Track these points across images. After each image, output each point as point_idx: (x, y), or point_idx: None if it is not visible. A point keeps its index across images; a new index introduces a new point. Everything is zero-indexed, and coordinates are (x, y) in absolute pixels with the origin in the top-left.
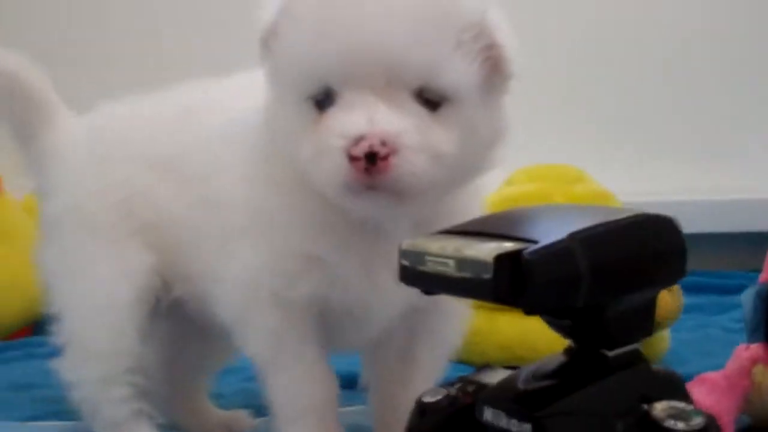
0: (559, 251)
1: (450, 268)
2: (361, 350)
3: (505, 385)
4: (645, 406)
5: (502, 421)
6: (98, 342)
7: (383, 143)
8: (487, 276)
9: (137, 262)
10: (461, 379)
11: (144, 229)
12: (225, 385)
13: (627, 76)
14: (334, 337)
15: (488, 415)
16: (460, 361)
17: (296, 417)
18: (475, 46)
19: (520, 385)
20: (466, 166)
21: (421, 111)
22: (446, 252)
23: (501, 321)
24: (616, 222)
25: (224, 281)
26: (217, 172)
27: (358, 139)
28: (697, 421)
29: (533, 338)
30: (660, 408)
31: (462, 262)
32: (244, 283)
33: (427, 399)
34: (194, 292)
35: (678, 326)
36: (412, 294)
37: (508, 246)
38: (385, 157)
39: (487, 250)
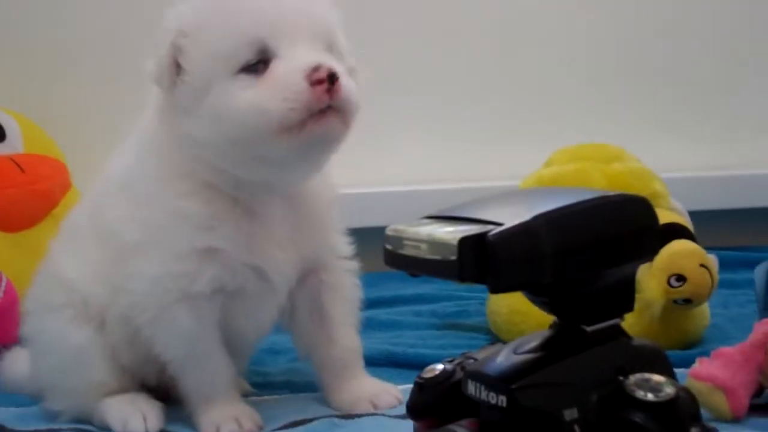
0: (522, 232)
1: (423, 251)
2: (287, 327)
3: (487, 359)
4: (620, 378)
5: (483, 393)
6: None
7: (333, 69)
8: (453, 257)
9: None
10: (463, 355)
11: None
12: (272, 365)
13: (668, 51)
14: (255, 319)
15: (471, 388)
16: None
17: (208, 401)
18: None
19: (500, 359)
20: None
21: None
22: (420, 236)
23: None
24: (583, 203)
25: (131, 293)
26: (106, 205)
27: (317, 68)
28: (667, 391)
29: None
30: (633, 380)
31: (432, 245)
32: (153, 293)
33: (425, 375)
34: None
35: (727, 301)
36: (298, 257)
37: (473, 229)
38: (338, 79)
39: (454, 233)
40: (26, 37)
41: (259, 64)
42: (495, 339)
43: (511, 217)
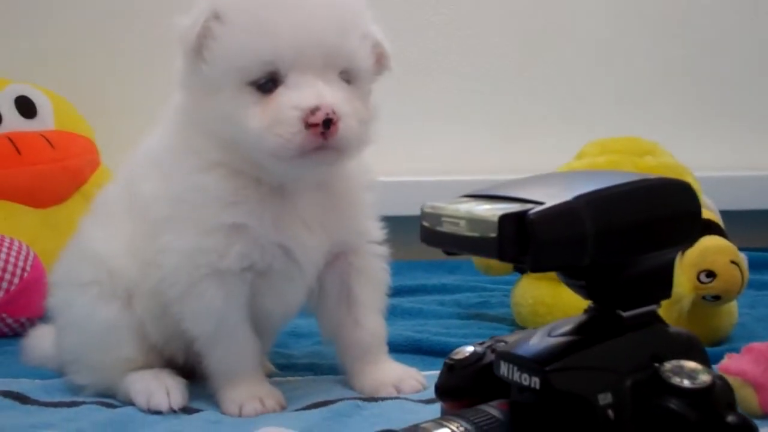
0: (563, 212)
1: (461, 228)
2: (313, 310)
3: (521, 342)
4: (656, 365)
5: (515, 375)
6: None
7: (333, 112)
8: (493, 235)
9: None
10: (492, 338)
11: None
12: (296, 348)
13: (702, 48)
14: (282, 299)
15: (503, 369)
16: None
17: (232, 379)
18: (368, 43)
19: (534, 341)
20: (368, 133)
21: (345, 86)
22: (459, 213)
23: (565, 292)
24: (625, 185)
25: (162, 268)
26: (139, 180)
27: (314, 110)
28: (703, 379)
29: None
30: (669, 366)
31: (472, 223)
32: (182, 267)
33: (454, 356)
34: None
35: (755, 302)
36: (326, 239)
37: (514, 207)
38: (335, 123)
39: (494, 210)
40: (58, 16)
41: (268, 83)
42: (519, 330)
43: (551, 196)
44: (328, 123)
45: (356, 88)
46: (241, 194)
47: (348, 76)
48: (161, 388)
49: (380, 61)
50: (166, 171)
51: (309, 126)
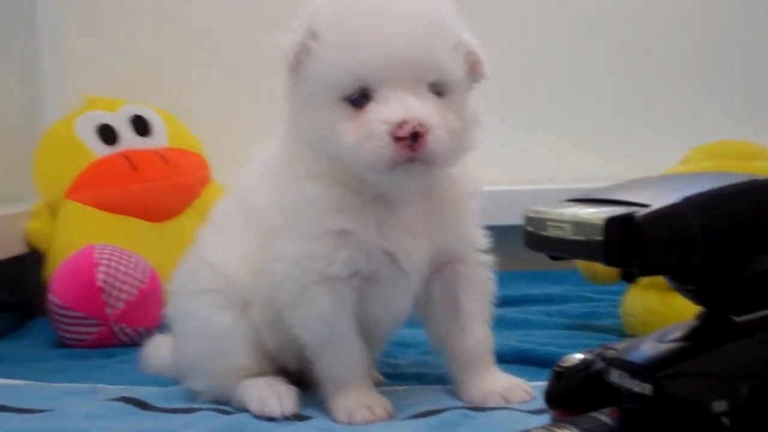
0: (671, 214)
1: (566, 232)
2: (421, 319)
3: (631, 348)
4: None
5: (626, 381)
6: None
7: (421, 125)
8: (599, 238)
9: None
10: (602, 346)
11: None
12: (403, 358)
13: None
14: (389, 306)
15: (614, 376)
16: None
17: (341, 387)
18: (460, 52)
19: (645, 348)
20: (463, 142)
21: (435, 98)
22: (563, 217)
23: (675, 300)
24: (734, 186)
25: (274, 275)
26: (252, 191)
27: (402, 124)
28: None
29: None
30: None
31: (577, 226)
32: (293, 275)
33: (563, 364)
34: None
35: None
36: (430, 246)
37: (619, 210)
38: (423, 136)
39: (600, 213)
40: (169, 42)
41: (360, 98)
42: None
43: (658, 199)
44: (416, 136)
45: (448, 99)
46: (345, 202)
47: (439, 88)
48: (274, 395)
49: (475, 69)
50: (276, 181)
51: (397, 139)
